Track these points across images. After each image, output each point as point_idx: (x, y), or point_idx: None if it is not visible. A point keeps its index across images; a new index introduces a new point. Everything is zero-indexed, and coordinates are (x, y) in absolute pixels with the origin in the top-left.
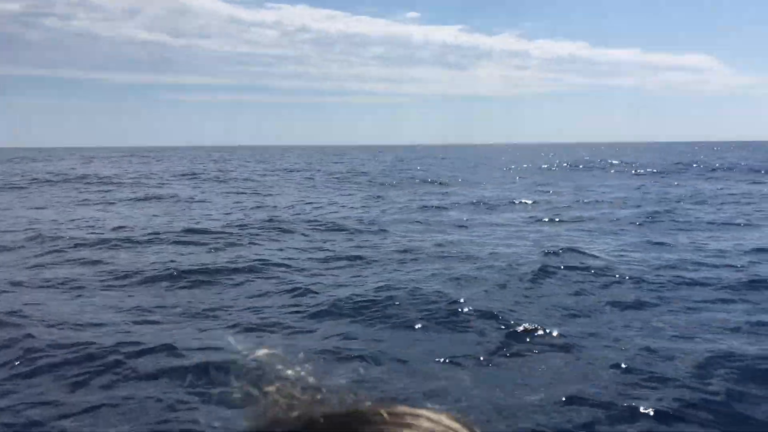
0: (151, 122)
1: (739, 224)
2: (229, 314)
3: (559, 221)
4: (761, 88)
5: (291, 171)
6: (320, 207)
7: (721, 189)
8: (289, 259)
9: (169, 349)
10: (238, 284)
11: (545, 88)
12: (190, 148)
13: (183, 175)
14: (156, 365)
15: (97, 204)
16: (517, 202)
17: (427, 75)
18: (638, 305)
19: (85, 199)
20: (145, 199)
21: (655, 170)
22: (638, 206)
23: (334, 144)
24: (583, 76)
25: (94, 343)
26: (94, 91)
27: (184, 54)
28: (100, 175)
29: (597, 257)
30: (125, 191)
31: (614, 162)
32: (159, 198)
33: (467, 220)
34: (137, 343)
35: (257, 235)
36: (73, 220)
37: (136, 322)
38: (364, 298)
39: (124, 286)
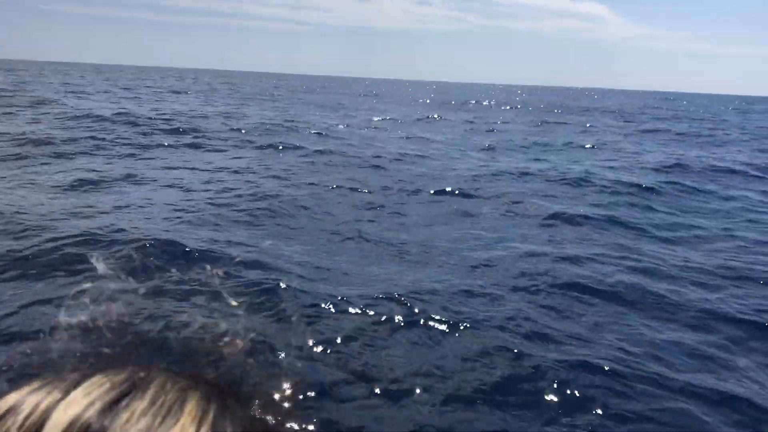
0: (25, 34)
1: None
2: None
3: (438, 141)
4: (653, 39)
5: (187, 93)
6: (229, 116)
7: (592, 125)
8: (193, 168)
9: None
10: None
11: (447, 26)
12: (69, 64)
13: (65, 84)
14: None
15: None
16: (407, 135)
17: (330, 4)
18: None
19: None
20: (35, 105)
21: (541, 108)
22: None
23: (232, 69)
24: (483, 17)
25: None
26: None
27: None
28: None
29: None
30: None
31: (498, 102)
32: (48, 102)
33: (370, 136)
34: None
35: (161, 138)
36: None
37: None
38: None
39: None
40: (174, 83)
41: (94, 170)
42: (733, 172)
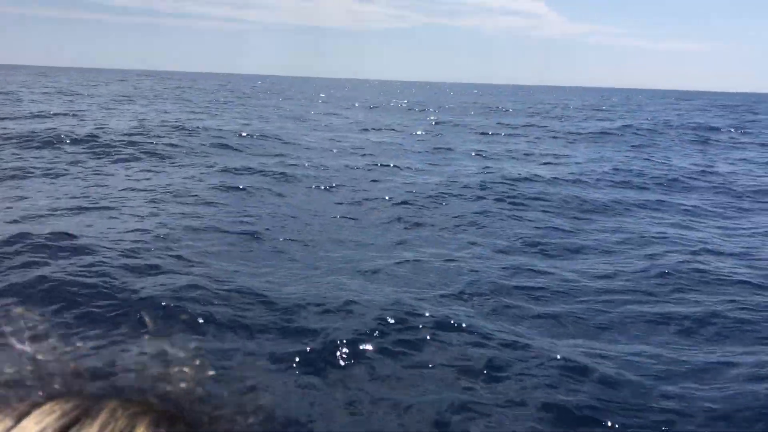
0: None
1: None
2: None
3: (389, 154)
4: (594, 35)
5: (133, 100)
6: (181, 130)
7: (536, 134)
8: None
9: None
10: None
11: (390, 24)
12: (6, 66)
13: (4, 93)
14: None
15: None
16: (359, 150)
17: (273, 2)
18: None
19: None
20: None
21: (486, 111)
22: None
23: (176, 70)
24: (425, 15)
25: None
26: None
27: None
28: None
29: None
30: None
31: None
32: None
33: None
34: None
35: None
36: None
37: None
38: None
39: None
40: (118, 88)
41: (37, 197)
42: (681, 179)
